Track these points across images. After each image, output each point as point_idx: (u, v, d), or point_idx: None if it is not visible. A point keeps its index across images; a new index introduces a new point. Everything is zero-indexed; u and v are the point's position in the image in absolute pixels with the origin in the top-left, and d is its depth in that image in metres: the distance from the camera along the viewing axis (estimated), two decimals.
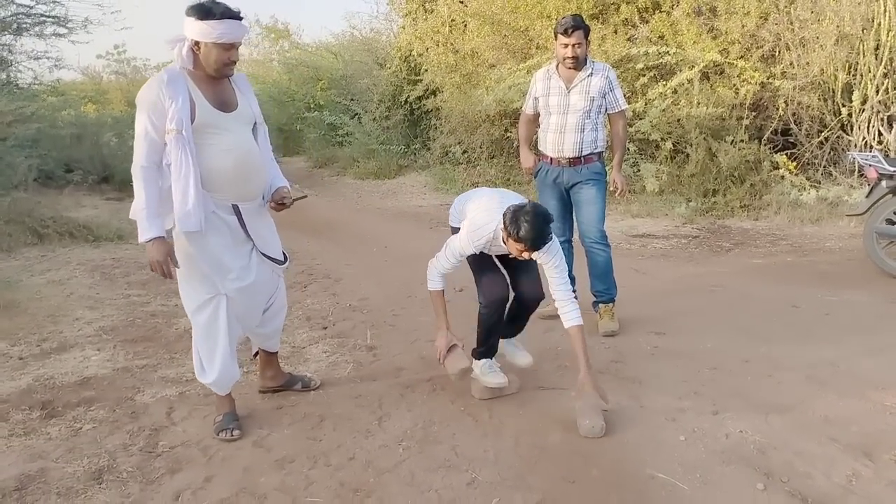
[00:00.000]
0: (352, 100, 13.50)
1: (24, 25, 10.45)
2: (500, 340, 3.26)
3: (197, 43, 2.51)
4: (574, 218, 4.13)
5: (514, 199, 2.99)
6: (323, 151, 14.43)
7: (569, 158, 3.95)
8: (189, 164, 2.48)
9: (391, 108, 12.38)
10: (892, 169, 4.86)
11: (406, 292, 4.93)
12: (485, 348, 3.17)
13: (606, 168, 4.13)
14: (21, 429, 2.94)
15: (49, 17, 10.64)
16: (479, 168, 10.03)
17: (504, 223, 2.72)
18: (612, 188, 4.09)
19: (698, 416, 2.87)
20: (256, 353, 3.20)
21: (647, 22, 8.58)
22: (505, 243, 2.80)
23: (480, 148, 10.01)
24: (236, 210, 2.70)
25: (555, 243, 2.87)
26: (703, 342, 3.73)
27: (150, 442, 2.81)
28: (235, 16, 2.51)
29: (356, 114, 13.07)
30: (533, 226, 2.65)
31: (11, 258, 5.83)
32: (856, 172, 7.27)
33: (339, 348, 3.86)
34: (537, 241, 2.69)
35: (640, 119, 7.84)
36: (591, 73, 3.87)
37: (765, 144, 7.78)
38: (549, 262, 2.89)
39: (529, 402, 3.09)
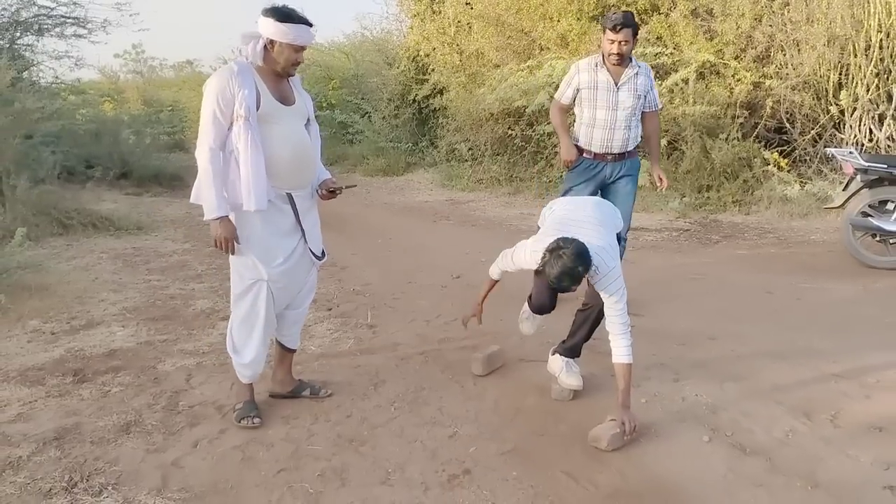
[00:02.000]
0: (362, 99, 13.83)
1: (46, 26, 10.89)
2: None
3: (272, 42, 2.74)
4: None
5: (591, 220, 2.88)
6: (334, 149, 14.76)
7: (615, 154, 4.02)
8: (258, 147, 2.71)
9: (400, 107, 12.71)
10: (866, 164, 5.14)
11: (406, 279, 5.26)
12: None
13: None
14: (56, 391, 3.30)
15: (69, 18, 11.07)
16: (484, 165, 10.35)
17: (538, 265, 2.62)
18: (656, 183, 4.22)
19: (661, 382, 3.19)
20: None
21: (645, 23, 8.86)
22: None
23: (485, 145, 10.32)
24: (290, 199, 2.92)
25: (612, 273, 2.71)
26: (676, 323, 4.04)
27: (172, 402, 3.17)
28: (309, 23, 2.78)
29: (366, 112, 13.41)
30: (562, 268, 2.52)
31: (39, 247, 6.20)
32: None
33: (342, 326, 4.20)
34: (558, 283, 2.57)
35: None
36: (637, 72, 3.93)
37: (759, 142, 8.04)
38: (603, 291, 2.76)
39: (511, 372, 3.42)
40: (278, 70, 2.81)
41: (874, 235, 5.24)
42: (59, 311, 4.51)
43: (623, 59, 3.85)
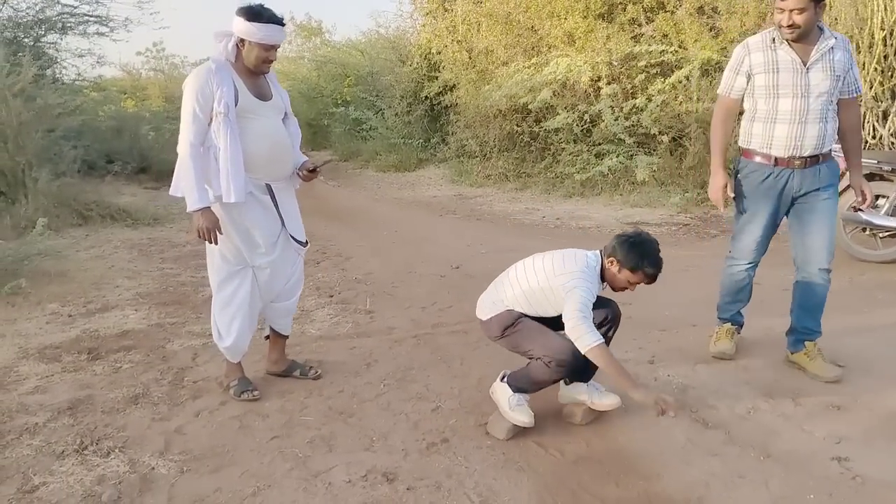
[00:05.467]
0: (376, 96, 14.07)
1: (69, 25, 11.25)
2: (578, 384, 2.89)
3: (242, 40, 2.87)
4: (791, 238, 3.40)
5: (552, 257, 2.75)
6: (348, 145, 15.02)
7: (805, 157, 3.07)
8: (237, 143, 2.84)
9: (412, 104, 12.92)
10: None
11: (407, 269, 5.46)
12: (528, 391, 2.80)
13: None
14: (71, 367, 3.55)
15: (92, 16, 11.43)
16: (492, 161, 10.52)
17: (620, 258, 2.63)
18: (856, 198, 3.29)
19: (637, 364, 3.36)
20: (268, 336, 3.43)
21: (651, 21, 8.99)
22: (613, 278, 2.71)
23: (493, 142, 10.49)
24: (269, 190, 3.06)
25: None
26: (662, 311, 4.20)
27: (177, 377, 3.40)
28: (279, 21, 2.89)
29: (380, 109, 13.64)
30: (658, 255, 2.65)
31: (59, 236, 6.49)
32: None
33: (342, 312, 4.41)
34: (659, 263, 2.69)
35: (641, 111, 8.25)
36: (833, 46, 2.97)
37: None
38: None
39: (497, 355, 3.58)
40: (250, 67, 2.90)
41: (864, 230, 5.34)
42: (77, 296, 4.77)
43: (802, 33, 2.92)
